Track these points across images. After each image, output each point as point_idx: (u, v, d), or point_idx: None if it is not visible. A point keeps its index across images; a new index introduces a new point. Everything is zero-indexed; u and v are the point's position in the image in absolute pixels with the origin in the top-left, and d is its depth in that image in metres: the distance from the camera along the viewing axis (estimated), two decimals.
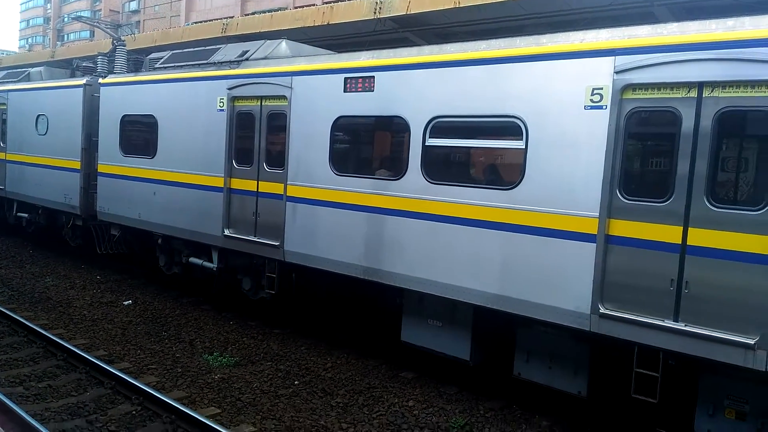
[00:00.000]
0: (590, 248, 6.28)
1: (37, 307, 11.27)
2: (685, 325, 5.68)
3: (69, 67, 19.29)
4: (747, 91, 5.49)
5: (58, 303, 11.63)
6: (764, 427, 5.66)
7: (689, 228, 5.73)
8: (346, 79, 8.68)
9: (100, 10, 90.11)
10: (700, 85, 5.73)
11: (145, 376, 8.19)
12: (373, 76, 8.36)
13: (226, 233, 10.31)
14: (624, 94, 6.18)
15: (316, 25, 14.49)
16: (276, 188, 9.57)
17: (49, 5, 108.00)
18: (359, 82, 8.53)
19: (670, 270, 5.81)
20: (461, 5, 11.83)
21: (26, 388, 7.63)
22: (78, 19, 18.63)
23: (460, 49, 7.66)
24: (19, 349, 9.00)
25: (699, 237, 5.67)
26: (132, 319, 10.82)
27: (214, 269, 10.88)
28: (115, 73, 14.07)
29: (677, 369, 6.21)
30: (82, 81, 14.22)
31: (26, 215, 16.29)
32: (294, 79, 9.39)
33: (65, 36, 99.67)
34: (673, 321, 5.77)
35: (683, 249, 5.76)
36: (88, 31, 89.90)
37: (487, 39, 7.73)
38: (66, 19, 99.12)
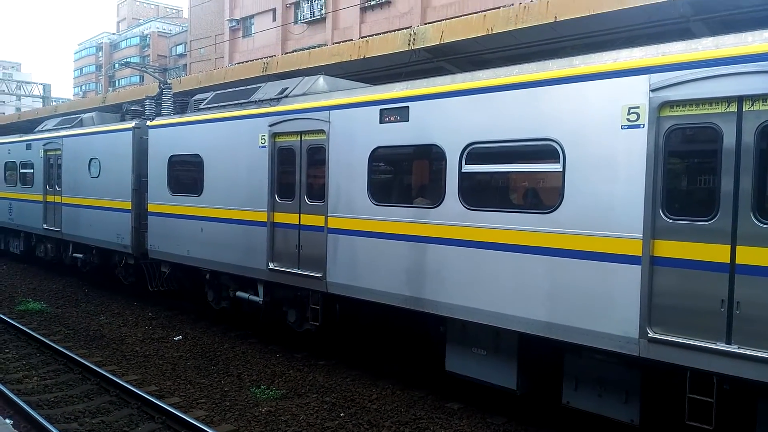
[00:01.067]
0: (635, 270, 6.13)
1: (92, 345, 11.62)
2: (738, 348, 5.46)
3: (119, 111, 20.14)
4: None
5: (112, 340, 11.96)
6: None
7: (737, 246, 5.55)
8: (381, 110, 8.80)
9: (148, 55, 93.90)
10: (740, 99, 5.60)
11: (195, 410, 8.30)
12: (408, 107, 8.45)
13: (270, 266, 10.47)
14: (661, 112, 6.08)
15: (352, 59, 14.74)
16: (317, 220, 9.71)
17: (100, 53, 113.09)
18: (394, 112, 8.64)
19: (719, 290, 5.62)
20: (494, 32, 11.88)
21: (80, 424, 7.84)
22: (126, 65, 19.54)
23: (492, 75, 7.69)
24: (74, 386, 9.27)
25: (748, 255, 5.48)
26: (182, 354, 11.03)
27: (260, 302, 11.04)
28: (162, 115, 14.59)
29: (733, 394, 5.95)
30: (131, 124, 14.80)
31: (81, 256, 16.91)
32: (331, 113, 9.57)
33: (116, 82, 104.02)
34: (726, 343, 5.55)
35: (732, 268, 5.57)
36: (138, 76, 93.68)
37: (521, 63, 7.74)
38: (116, 66, 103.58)
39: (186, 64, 73.46)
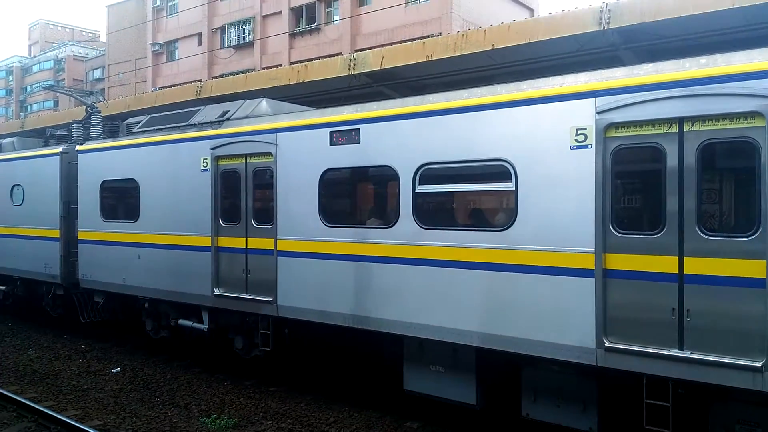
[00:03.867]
0: (589, 283, 6.41)
1: (23, 381, 10.92)
2: (691, 353, 5.81)
3: (41, 136, 19.21)
4: (726, 124, 5.79)
5: (45, 375, 11.28)
6: None
7: (685, 257, 5.92)
8: (331, 132, 8.85)
9: (63, 79, 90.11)
10: (681, 120, 6.02)
11: None
12: (359, 129, 8.55)
13: (216, 292, 10.22)
14: (608, 133, 6.44)
15: (291, 83, 14.76)
16: (266, 244, 9.59)
17: (11, 77, 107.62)
18: (345, 135, 8.71)
19: (670, 300, 5.96)
20: (434, 58, 12.22)
21: None
22: (51, 89, 18.68)
23: (443, 98, 7.91)
24: (9, 424, 8.67)
25: (695, 265, 5.85)
26: (123, 387, 10.54)
27: (205, 330, 10.73)
28: (91, 139, 14.05)
29: (688, 398, 6.29)
30: (59, 149, 14.16)
31: (3, 288, 15.89)
32: (278, 136, 9.53)
33: (28, 107, 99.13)
34: (679, 350, 5.89)
35: (681, 278, 5.93)
36: (52, 101, 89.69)
37: (463, 89, 8.01)
38: (29, 90, 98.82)
39: (104, 89, 71.08)
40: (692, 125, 5.96)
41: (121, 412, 9.25)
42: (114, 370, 11.55)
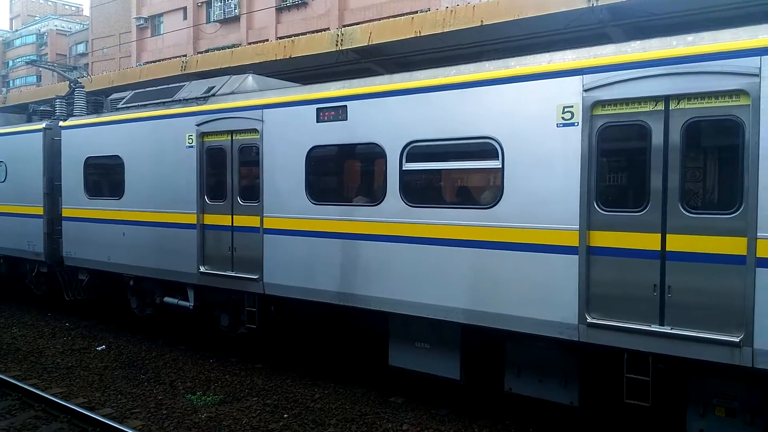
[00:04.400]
0: (573, 260, 6.46)
1: (7, 359, 10.86)
2: (671, 329, 5.89)
3: (24, 111, 18.90)
4: (711, 102, 5.80)
5: (29, 353, 11.24)
6: (754, 421, 5.86)
7: (667, 234, 5.97)
8: (318, 109, 8.77)
9: (46, 53, 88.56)
10: (667, 98, 6.03)
11: (130, 421, 7.96)
12: (346, 105, 8.48)
13: (201, 270, 10.19)
14: (594, 111, 6.44)
15: (278, 59, 14.60)
16: (252, 221, 9.54)
17: None
18: (332, 111, 8.64)
19: (652, 276, 6.02)
20: (422, 34, 12.12)
21: None
22: (33, 63, 18.30)
23: (430, 75, 7.86)
24: None
25: (677, 242, 5.91)
26: (108, 365, 10.53)
27: (191, 308, 10.71)
28: (75, 115, 13.85)
29: (667, 372, 6.39)
30: (42, 125, 13.94)
31: None
32: (265, 112, 9.44)
33: (10, 82, 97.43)
34: (659, 325, 5.96)
35: (663, 255, 5.99)
36: (35, 76, 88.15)
37: (450, 66, 7.96)
38: (11, 64, 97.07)
39: (87, 64, 69.91)
40: (678, 103, 5.97)
41: (106, 390, 9.25)
42: (99, 348, 11.53)
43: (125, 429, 7.34)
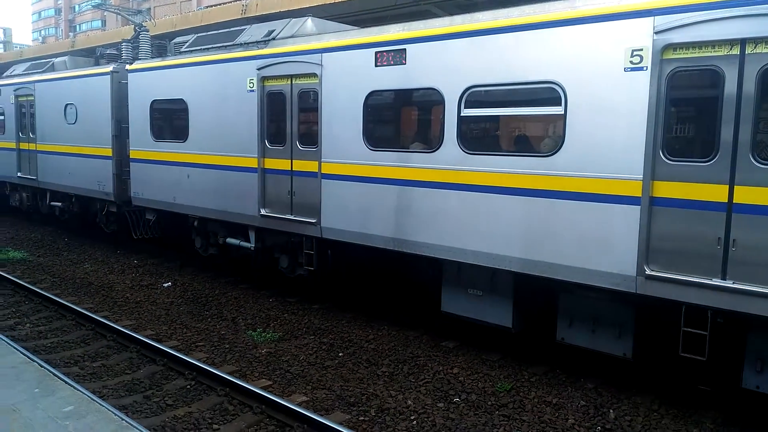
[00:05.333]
0: (635, 211, 6.31)
1: (80, 292, 11.56)
2: (734, 283, 5.72)
3: (91, 55, 19.47)
4: None
5: (100, 287, 11.92)
6: None
7: (735, 186, 5.74)
8: (377, 53, 8.70)
9: None
10: (743, 42, 5.69)
11: (195, 353, 8.41)
12: (405, 49, 8.37)
13: (262, 213, 10.46)
14: (665, 54, 6.15)
15: (337, 1, 14.47)
16: (310, 166, 9.68)
17: None
18: (391, 55, 8.55)
19: (716, 229, 5.83)
20: None
21: (81, 368, 7.89)
22: (99, 7, 18.74)
23: (492, 17, 7.65)
24: (69, 332, 9.27)
25: (745, 194, 5.67)
26: (173, 300, 11.07)
27: (252, 249, 11.06)
28: (140, 59, 14.18)
29: (725, 327, 6.25)
30: (109, 68, 14.36)
31: (59, 204, 16.61)
32: (324, 56, 9.42)
33: (77, 27, 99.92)
34: (721, 279, 5.81)
35: (729, 207, 5.77)
36: (100, 21, 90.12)
37: (513, 6, 7.69)
38: (77, 9, 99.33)
39: (150, 8, 70.85)
40: (755, 47, 5.63)
41: (172, 324, 9.76)
42: (165, 284, 12.11)
43: (191, 360, 7.76)
